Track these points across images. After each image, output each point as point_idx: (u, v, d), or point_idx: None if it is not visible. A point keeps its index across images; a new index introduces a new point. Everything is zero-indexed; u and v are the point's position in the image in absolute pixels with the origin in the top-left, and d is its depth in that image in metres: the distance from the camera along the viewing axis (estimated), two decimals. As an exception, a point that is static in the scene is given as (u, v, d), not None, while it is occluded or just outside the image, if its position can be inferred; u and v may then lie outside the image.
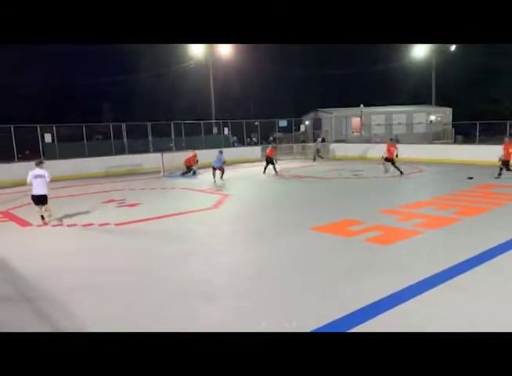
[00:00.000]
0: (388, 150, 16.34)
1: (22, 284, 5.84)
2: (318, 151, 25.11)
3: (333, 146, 27.17)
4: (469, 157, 19.14)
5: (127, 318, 4.67)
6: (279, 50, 38.13)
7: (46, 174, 9.51)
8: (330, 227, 8.36)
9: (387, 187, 14.11)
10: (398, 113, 36.04)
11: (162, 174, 19.43)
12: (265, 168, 18.78)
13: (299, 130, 32.29)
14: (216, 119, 30.69)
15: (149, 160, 21.35)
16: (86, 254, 7.25)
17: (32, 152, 20.96)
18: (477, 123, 21.98)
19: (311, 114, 37.51)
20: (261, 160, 24.54)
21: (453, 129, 33.52)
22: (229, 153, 24.85)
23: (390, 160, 16.20)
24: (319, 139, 26.73)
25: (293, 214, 10.09)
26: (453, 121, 35.60)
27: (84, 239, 8.41)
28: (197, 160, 19.08)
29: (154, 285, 5.67)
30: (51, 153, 20.52)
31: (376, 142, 28.43)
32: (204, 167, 19.22)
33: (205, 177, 17.78)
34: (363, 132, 31.97)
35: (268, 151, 19.26)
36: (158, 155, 20.22)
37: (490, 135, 24.00)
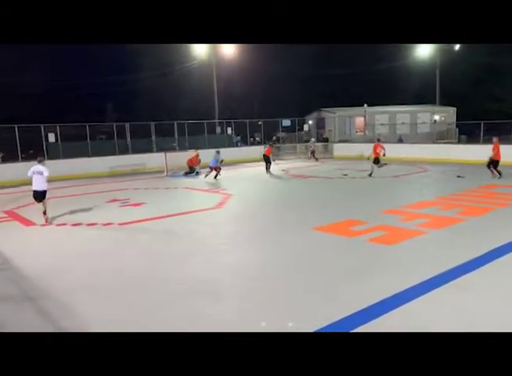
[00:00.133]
0: (374, 149, 16.40)
1: (25, 283, 5.85)
2: (313, 152, 25.09)
3: (336, 145, 27.14)
4: (473, 156, 19.04)
5: (129, 317, 4.67)
6: (283, 49, 38.04)
7: (45, 171, 9.86)
8: (333, 227, 8.34)
9: (391, 187, 14.07)
10: (402, 113, 35.94)
11: (165, 173, 19.46)
12: (267, 168, 18.89)
13: (302, 130, 32.25)
14: (219, 119, 30.71)
15: (153, 159, 21.36)
16: (89, 254, 7.26)
17: (36, 151, 21.02)
18: (482, 123, 21.88)
19: (315, 114, 37.45)
20: (273, 160, 24.55)
21: (457, 129, 33.38)
22: (233, 152, 24.93)
23: (376, 159, 16.26)
24: (313, 140, 26.68)
25: (296, 214, 10.07)
26: (457, 120, 35.47)
27: (87, 238, 8.42)
28: (200, 160, 19.10)
29: (157, 285, 5.66)
30: (54, 153, 20.58)
31: (380, 142, 28.36)
32: (207, 167, 19.21)
33: (210, 176, 17.78)
34: (367, 132, 31.89)
35: (266, 150, 19.29)
36: (161, 155, 20.25)
37: (494, 134, 23.87)
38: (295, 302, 4.90)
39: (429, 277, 5.37)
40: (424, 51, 38.37)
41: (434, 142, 28.05)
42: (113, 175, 20.13)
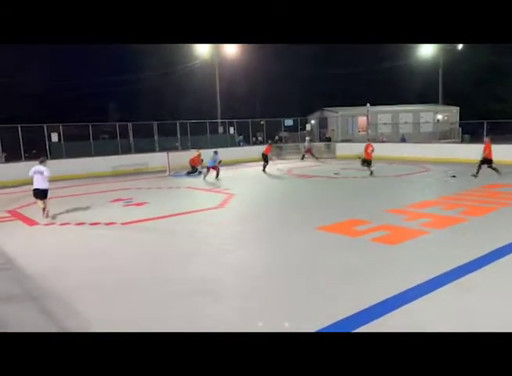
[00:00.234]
0: (366, 150, 16.47)
1: (28, 283, 5.87)
2: (309, 151, 25.06)
3: (338, 145, 27.11)
4: (476, 156, 18.93)
5: (131, 317, 4.68)
6: (285, 49, 38.02)
7: (45, 171, 10.05)
8: (336, 227, 8.34)
9: (393, 187, 14.05)
10: (405, 113, 35.85)
11: (168, 173, 19.48)
12: (264, 167, 19.05)
13: (305, 129, 32.21)
14: (222, 118, 30.71)
15: (155, 159, 21.40)
16: (92, 254, 7.28)
17: (39, 151, 21.08)
18: (485, 122, 21.80)
19: (317, 113, 37.39)
20: (270, 159, 24.54)
21: (460, 128, 33.29)
22: (235, 152, 24.94)
23: (367, 161, 16.38)
24: (308, 139, 26.68)
25: (299, 213, 10.07)
26: (460, 120, 35.35)
27: (90, 238, 8.45)
28: (202, 160, 19.12)
29: (160, 285, 5.67)
30: (57, 153, 20.66)
31: (383, 142, 28.33)
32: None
33: (211, 176, 17.79)
34: (370, 131, 31.83)
35: (265, 149, 19.30)
36: (164, 154, 20.28)
37: (498, 134, 23.81)
38: (298, 302, 4.90)
39: (431, 277, 5.36)
40: (427, 50, 38.27)
41: (437, 142, 28.01)
42: (116, 174, 20.17)
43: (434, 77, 39.50)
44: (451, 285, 5.13)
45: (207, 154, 19.42)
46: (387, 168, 18.66)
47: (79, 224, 9.50)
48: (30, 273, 6.26)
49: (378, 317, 4.32)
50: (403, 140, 30.06)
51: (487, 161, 14.33)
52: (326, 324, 4.17)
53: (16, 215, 10.99)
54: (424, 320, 4.26)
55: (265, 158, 18.99)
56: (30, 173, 10.11)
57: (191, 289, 5.41)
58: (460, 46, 37.11)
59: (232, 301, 5.06)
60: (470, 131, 30.81)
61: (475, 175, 14.34)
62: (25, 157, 19.71)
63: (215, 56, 31.19)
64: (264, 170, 18.78)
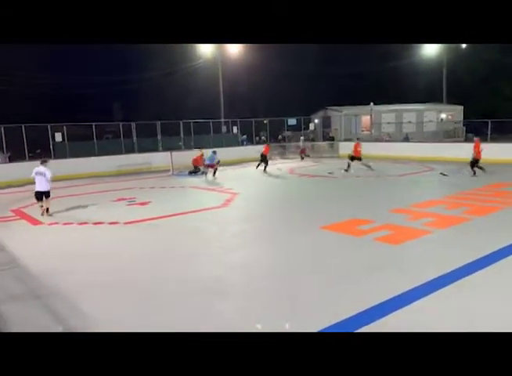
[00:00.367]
0: (355, 149, 17.16)
1: (32, 282, 5.90)
2: (304, 150, 25.12)
3: (342, 144, 27.06)
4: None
5: (133, 317, 4.69)
6: (288, 48, 37.96)
7: (47, 172, 10.20)
8: (340, 226, 8.33)
9: (397, 186, 14.01)
10: (409, 112, 35.77)
11: (171, 172, 19.51)
12: (258, 165, 19.22)
13: (308, 128, 32.17)
14: (225, 118, 30.71)
15: (159, 158, 21.44)
16: (96, 253, 7.30)
17: (43, 151, 21.17)
18: (489, 121, 21.72)
19: (321, 112, 37.35)
20: (270, 159, 24.54)
21: (464, 127, 33.16)
22: (239, 151, 24.95)
23: (357, 158, 17.09)
24: (302, 138, 26.68)
25: (303, 212, 10.07)
26: (464, 119, 35.23)
27: (94, 237, 8.48)
28: (205, 160, 19.14)
29: (164, 284, 5.69)
30: (61, 152, 20.72)
31: (387, 141, 28.28)
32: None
33: (216, 176, 17.81)
34: (373, 131, 31.77)
35: (264, 149, 19.27)
36: (167, 154, 20.31)
37: (502, 133, 23.70)
38: (300, 302, 4.90)
39: (432, 278, 5.36)
40: (431, 49, 38.17)
41: (440, 141, 27.91)
42: (120, 174, 20.21)
43: (438, 76, 39.37)
44: (452, 286, 5.12)
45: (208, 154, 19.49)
46: (390, 168, 18.61)
47: (82, 223, 9.54)
48: (34, 272, 6.29)
49: (380, 317, 4.32)
50: (406, 139, 29.98)
51: (474, 161, 14.58)
52: (328, 324, 4.18)
53: (20, 214, 11.04)
54: (426, 320, 4.26)
55: (265, 159, 18.99)
56: (32, 174, 10.29)
57: (194, 289, 5.42)
58: (464, 45, 36.95)
59: (235, 301, 5.07)
60: (474, 131, 30.65)
61: (474, 174, 14.45)
62: (29, 157, 19.78)
63: (218, 55, 31.21)
64: (265, 170, 18.78)
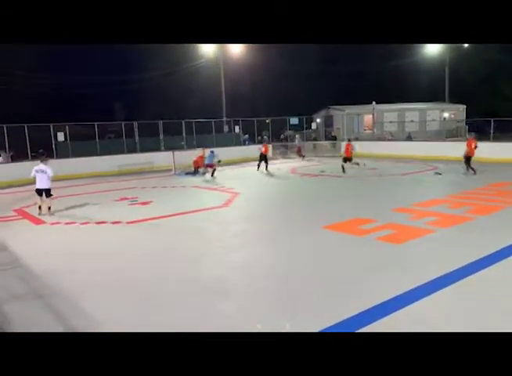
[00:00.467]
0: (347, 149, 17.24)
1: (34, 281, 5.91)
2: (299, 150, 25.14)
3: (344, 143, 27.03)
4: (483, 154, 18.83)
5: (134, 317, 4.69)
6: (290, 47, 37.94)
7: (48, 170, 10.39)
8: (342, 226, 8.32)
9: (400, 185, 13.98)
10: (411, 111, 35.72)
11: (173, 172, 19.51)
12: (259, 165, 19.07)
13: (310, 128, 32.14)
14: (227, 117, 30.70)
15: (161, 158, 21.45)
16: (98, 252, 7.31)
17: (45, 151, 21.19)
18: (492, 120, 21.66)
19: (323, 112, 37.32)
20: (272, 158, 24.53)
21: (467, 126, 33.06)
22: (241, 151, 24.95)
23: (348, 158, 17.11)
24: (298, 137, 26.66)
25: (305, 212, 10.05)
26: (467, 118, 35.14)
27: (96, 237, 8.49)
28: (205, 160, 19.12)
29: (164, 284, 5.69)
30: (63, 152, 20.76)
31: (389, 140, 28.23)
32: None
33: (216, 176, 17.82)
34: (375, 130, 31.71)
35: (263, 149, 19.21)
36: (169, 153, 20.32)
37: (505, 132, 23.63)
38: (302, 302, 4.89)
39: (435, 277, 5.34)
40: (433, 48, 38.07)
41: (443, 140, 27.86)
42: (122, 173, 20.24)
43: (441, 76, 39.29)
44: (455, 285, 5.10)
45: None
46: (393, 167, 18.58)
47: (85, 223, 9.55)
48: (36, 272, 6.30)
49: (382, 317, 4.31)
50: (409, 138, 29.93)
51: (467, 159, 14.74)
52: (329, 324, 4.17)
53: (22, 214, 11.06)
54: (428, 320, 4.24)
55: (264, 158, 18.97)
56: (33, 173, 10.40)
57: (195, 288, 5.42)
58: (467, 44, 36.85)
59: (236, 301, 5.06)
60: (476, 130, 30.57)
61: (474, 172, 14.54)
62: (31, 157, 19.82)
63: (220, 54, 31.20)
64: (266, 169, 18.77)
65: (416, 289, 5.00)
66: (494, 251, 6.32)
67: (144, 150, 23.04)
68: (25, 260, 6.91)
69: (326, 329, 4.06)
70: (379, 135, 31.25)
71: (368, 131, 33.38)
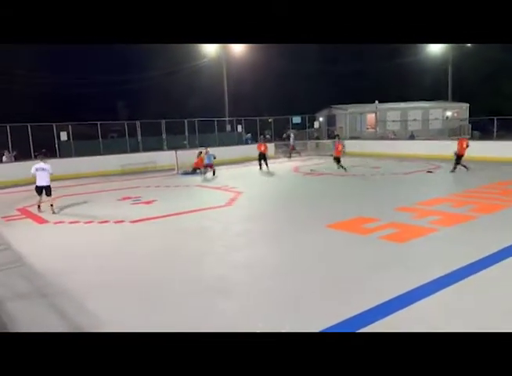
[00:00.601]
0: (337, 148, 17.31)
1: (38, 280, 5.93)
2: (293, 148, 25.18)
3: (346, 142, 26.99)
4: (486, 153, 18.79)
5: (137, 317, 4.71)
6: (292, 47, 37.88)
7: (49, 168, 10.66)
8: (345, 224, 8.31)
9: (403, 184, 13.95)
10: (414, 110, 35.63)
11: (176, 171, 19.53)
12: (260, 165, 19.06)
13: (313, 127, 32.10)
14: (229, 116, 30.70)
15: (163, 157, 21.48)
16: (102, 252, 7.34)
17: (48, 150, 21.24)
18: (495, 118, 21.58)
19: (325, 111, 37.27)
20: (274, 157, 24.55)
21: (470, 125, 32.96)
22: (243, 150, 24.94)
23: (337, 158, 17.18)
24: (292, 135, 26.61)
25: (308, 211, 10.05)
26: (470, 116, 35.02)
27: (99, 236, 8.50)
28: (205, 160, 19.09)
29: (167, 283, 5.70)
30: (66, 151, 20.82)
31: (392, 139, 28.17)
32: (216, 164, 19.21)
33: (218, 175, 17.83)
34: (378, 129, 31.65)
35: (262, 148, 19.14)
36: (172, 153, 20.34)
37: (509, 130, 23.54)
38: (305, 301, 4.89)
39: (437, 276, 5.33)
40: (436, 47, 37.94)
41: (446, 139, 27.77)
42: (125, 173, 20.28)
43: (444, 74, 39.14)
44: (457, 285, 5.09)
45: (215, 153, 19.46)
46: (396, 165, 18.54)
47: (88, 222, 9.58)
48: (39, 271, 6.32)
49: (384, 316, 4.31)
50: (412, 137, 29.86)
51: (458, 157, 15.12)
52: (330, 324, 4.17)
53: (26, 213, 11.10)
54: (431, 320, 4.24)
55: (264, 157, 18.95)
56: (33, 171, 10.62)
57: (197, 288, 5.43)
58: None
59: (238, 301, 5.06)
60: (480, 128, 30.48)
61: (467, 169, 14.95)
62: (35, 156, 19.87)
63: (223, 54, 31.20)
64: (267, 166, 18.79)
65: (418, 288, 4.99)
66: (497, 250, 6.31)
67: (147, 149, 23.07)
68: (29, 259, 6.94)
69: (327, 328, 4.06)
70: (382, 133, 31.20)
71: (371, 130, 33.33)
